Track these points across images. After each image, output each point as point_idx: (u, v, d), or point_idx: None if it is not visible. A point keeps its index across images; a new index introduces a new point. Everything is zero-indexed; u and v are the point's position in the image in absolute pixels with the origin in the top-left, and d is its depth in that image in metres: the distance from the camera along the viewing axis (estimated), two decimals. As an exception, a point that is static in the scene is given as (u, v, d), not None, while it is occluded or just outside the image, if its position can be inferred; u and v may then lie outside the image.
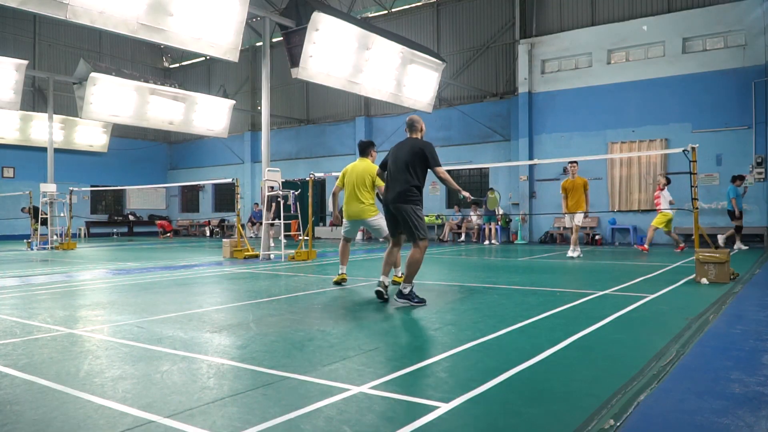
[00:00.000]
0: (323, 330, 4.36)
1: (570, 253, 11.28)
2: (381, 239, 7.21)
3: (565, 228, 12.22)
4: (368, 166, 6.97)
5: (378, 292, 5.65)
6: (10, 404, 2.72)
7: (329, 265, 10.30)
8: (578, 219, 11.33)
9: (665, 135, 15.55)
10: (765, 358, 3.47)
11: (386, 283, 5.71)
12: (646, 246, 12.35)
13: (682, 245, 12.42)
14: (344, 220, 7.11)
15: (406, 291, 5.32)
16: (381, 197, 5.98)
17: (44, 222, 16.29)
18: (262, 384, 2.99)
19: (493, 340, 4.01)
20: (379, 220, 6.92)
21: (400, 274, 7.07)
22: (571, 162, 11.71)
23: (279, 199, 11.48)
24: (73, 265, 10.91)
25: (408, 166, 5.37)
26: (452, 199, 18.85)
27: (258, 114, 23.59)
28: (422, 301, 5.37)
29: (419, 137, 5.63)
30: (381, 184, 6.63)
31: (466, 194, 5.66)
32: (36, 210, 16.61)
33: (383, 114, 21.45)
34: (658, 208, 12.24)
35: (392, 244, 5.83)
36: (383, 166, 5.80)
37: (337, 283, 7.15)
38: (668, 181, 12.48)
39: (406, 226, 5.42)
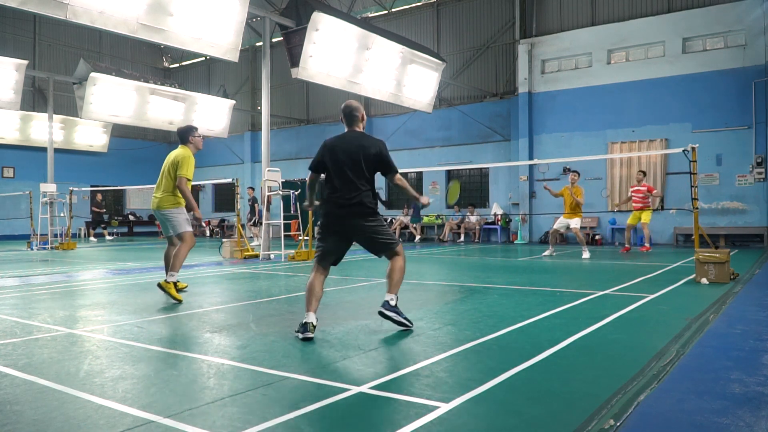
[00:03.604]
0: (323, 330, 4.36)
1: (585, 255, 11.34)
2: (175, 237, 6.25)
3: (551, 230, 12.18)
4: (178, 153, 6.26)
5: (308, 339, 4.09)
6: (10, 404, 2.72)
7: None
8: (576, 223, 11.64)
9: (665, 135, 15.55)
10: (765, 358, 3.47)
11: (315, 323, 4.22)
12: (647, 246, 12.34)
13: (628, 247, 12.38)
14: None
15: (395, 303, 4.41)
16: (319, 201, 4.70)
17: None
18: (262, 384, 2.99)
19: (493, 340, 4.01)
20: (176, 215, 6.21)
21: (171, 279, 5.98)
22: (573, 171, 12.12)
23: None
24: (73, 265, 10.90)
25: (364, 171, 4.41)
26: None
27: (258, 114, 23.58)
28: (409, 322, 4.44)
29: (362, 128, 4.76)
30: (189, 177, 6.12)
31: (425, 201, 4.83)
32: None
33: (383, 114, 21.42)
34: (637, 205, 12.19)
35: (322, 273, 4.43)
36: (317, 168, 4.66)
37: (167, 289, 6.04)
38: (645, 175, 12.75)
39: (376, 243, 4.46)
